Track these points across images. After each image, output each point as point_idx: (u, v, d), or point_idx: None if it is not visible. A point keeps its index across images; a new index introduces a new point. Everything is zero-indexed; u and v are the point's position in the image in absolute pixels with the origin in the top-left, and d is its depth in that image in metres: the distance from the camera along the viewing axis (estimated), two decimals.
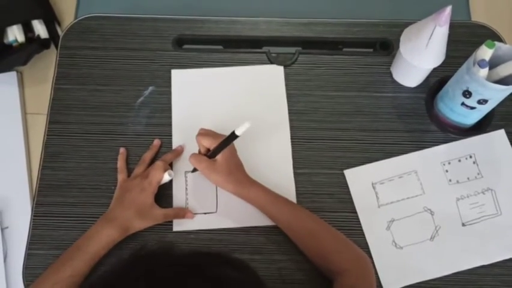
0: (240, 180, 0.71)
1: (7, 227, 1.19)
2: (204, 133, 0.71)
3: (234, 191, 0.71)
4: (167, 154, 0.75)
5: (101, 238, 0.67)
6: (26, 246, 0.73)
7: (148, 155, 0.75)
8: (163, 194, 0.74)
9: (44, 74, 1.38)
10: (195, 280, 0.42)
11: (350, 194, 0.74)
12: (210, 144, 0.69)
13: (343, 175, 0.75)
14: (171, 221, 0.73)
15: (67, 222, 0.73)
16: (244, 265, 0.48)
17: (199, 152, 0.72)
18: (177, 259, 0.45)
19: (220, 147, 0.68)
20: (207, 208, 0.74)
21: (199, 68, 0.82)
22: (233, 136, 0.66)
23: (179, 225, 0.73)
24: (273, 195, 0.71)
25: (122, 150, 0.76)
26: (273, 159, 0.76)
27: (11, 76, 1.36)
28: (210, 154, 0.70)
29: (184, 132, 0.78)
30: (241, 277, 0.46)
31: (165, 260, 0.45)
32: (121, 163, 0.75)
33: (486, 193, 0.74)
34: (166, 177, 0.71)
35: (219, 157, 0.69)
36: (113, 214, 0.69)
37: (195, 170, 0.73)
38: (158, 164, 0.71)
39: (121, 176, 0.74)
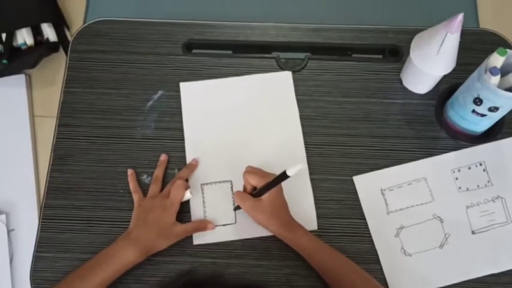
0: (284, 222, 0.69)
1: (13, 229, 1.19)
2: (252, 171, 0.69)
3: (278, 232, 0.69)
4: (183, 170, 0.75)
5: (123, 258, 0.66)
6: (34, 249, 0.73)
7: (160, 173, 0.75)
8: (180, 209, 0.72)
9: (52, 77, 1.38)
10: None
11: (358, 201, 0.74)
12: (257, 183, 0.68)
13: (352, 181, 0.75)
14: (191, 236, 0.72)
15: (75, 225, 0.73)
16: None
17: (244, 190, 0.71)
18: None
19: (268, 187, 0.66)
20: (226, 219, 0.73)
21: (207, 80, 0.81)
22: (283, 176, 0.64)
23: (199, 239, 0.72)
24: (316, 243, 0.68)
25: (130, 171, 0.75)
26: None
27: (19, 78, 1.36)
28: (256, 193, 0.68)
29: (197, 145, 0.77)
30: None
31: None
32: (133, 184, 0.74)
33: (496, 201, 0.74)
34: (187, 195, 0.71)
35: (264, 197, 0.67)
36: (135, 235, 0.68)
37: (238, 207, 0.72)
38: (179, 183, 0.71)
39: (136, 195, 0.73)
